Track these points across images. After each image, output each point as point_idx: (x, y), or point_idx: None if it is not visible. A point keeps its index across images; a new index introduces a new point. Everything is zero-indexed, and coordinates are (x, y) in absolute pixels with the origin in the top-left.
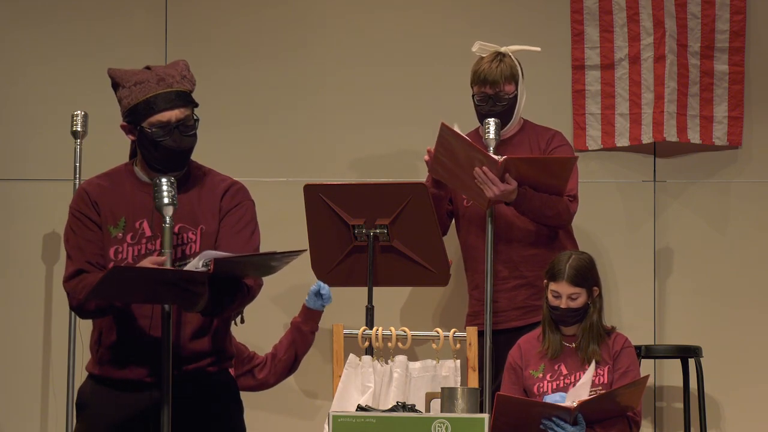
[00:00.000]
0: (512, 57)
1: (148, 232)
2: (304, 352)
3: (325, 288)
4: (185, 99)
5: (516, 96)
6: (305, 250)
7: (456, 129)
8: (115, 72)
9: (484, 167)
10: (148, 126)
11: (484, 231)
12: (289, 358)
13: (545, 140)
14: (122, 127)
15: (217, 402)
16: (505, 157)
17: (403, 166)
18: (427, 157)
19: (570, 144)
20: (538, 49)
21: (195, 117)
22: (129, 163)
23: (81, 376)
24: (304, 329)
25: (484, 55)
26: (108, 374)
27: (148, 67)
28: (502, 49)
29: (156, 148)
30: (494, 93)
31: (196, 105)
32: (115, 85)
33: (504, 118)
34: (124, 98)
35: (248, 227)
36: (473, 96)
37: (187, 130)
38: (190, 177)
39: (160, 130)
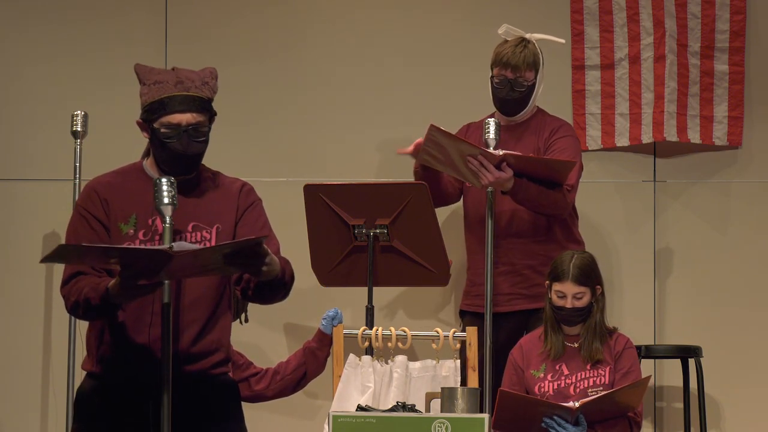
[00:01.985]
0: (536, 45)
1: (161, 229)
2: (316, 375)
3: (340, 313)
4: (200, 105)
5: (534, 84)
6: (263, 237)
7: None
8: (140, 68)
9: (479, 156)
10: (159, 126)
11: (490, 214)
12: (295, 377)
13: (550, 130)
14: (138, 123)
15: (217, 403)
16: (503, 152)
17: (403, 166)
18: (411, 149)
19: (575, 136)
20: (563, 41)
21: (208, 125)
22: (138, 162)
23: (81, 375)
24: (320, 355)
25: (509, 39)
26: (109, 374)
27: (174, 68)
28: (528, 36)
29: (163, 149)
30: (514, 78)
31: (214, 113)
32: (139, 82)
33: (520, 105)
34: (143, 95)
35: (267, 226)
36: (492, 77)
37: (197, 135)
38: (201, 178)
39: (170, 131)
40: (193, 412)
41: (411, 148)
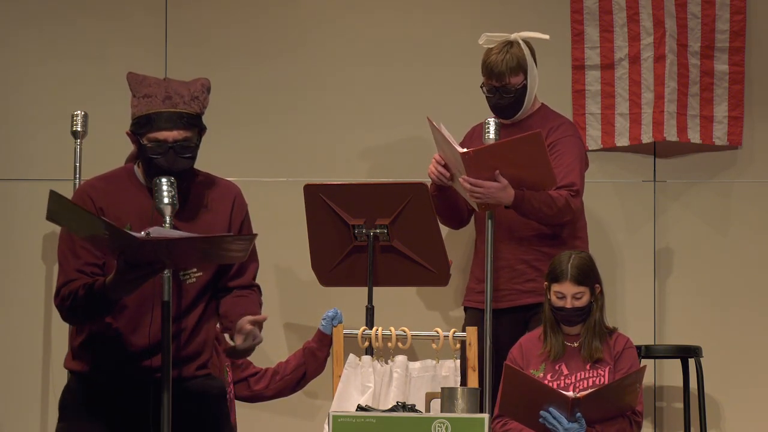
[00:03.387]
0: (521, 44)
1: None
2: (315, 375)
3: (339, 314)
4: (188, 121)
5: (525, 85)
6: (256, 234)
7: (440, 127)
8: (132, 78)
9: (463, 176)
10: (146, 141)
11: (490, 215)
12: (294, 378)
13: (548, 129)
14: (127, 134)
15: (205, 403)
16: (464, 150)
17: (403, 166)
18: (433, 170)
19: (576, 135)
20: (547, 36)
21: (196, 141)
22: (129, 166)
23: None
24: (319, 355)
25: (491, 46)
26: (100, 374)
27: (166, 79)
28: (512, 37)
29: (150, 165)
30: (501, 85)
31: (203, 128)
32: (131, 92)
33: (513, 109)
34: (133, 107)
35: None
36: (482, 86)
37: (183, 151)
38: (194, 185)
39: (156, 147)
40: (182, 412)
41: (432, 166)
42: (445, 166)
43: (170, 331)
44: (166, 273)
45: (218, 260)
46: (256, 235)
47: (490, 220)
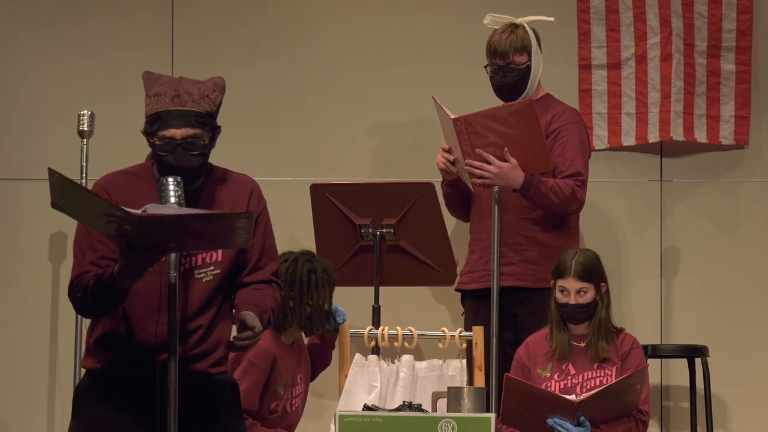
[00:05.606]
0: (526, 28)
1: None
2: (323, 369)
3: (342, 313)
4: (196, 119)
5: (529, 66)
6: (251, 213)
7: (437, 101)
8: (147, 77)
9: (477, 149)
10: (156, 139)
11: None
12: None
13: (551, 115)
14: (142, 133)
15: (218, 401)
16: (455, 116)
17: (410, 165)
18: (441, 159)
19: (578, 122)
20: (552, 19)
21: (205, 138)
22: (148, 163)
23: None
24: (323, 353)
25: (497, 27)
26: (110, 371)
27: (180, 78)
28: (517, 21)
29: (161, 162)
30: (504, 64)
31: (213, 127)
32: (145, 90)
33: (515, 89)
34: (146, 106)
35: (271, 233)
36: (486, 67)
37: (191, 148)
38: (209, 183)
39: (164, 144)
40: (194, 410)
41: (440, 156)
42: (449, 151)
43: (177, 316)
44: (173, 273)
45: (222, 244)
46: (251, 213)
47: (496, 205)
